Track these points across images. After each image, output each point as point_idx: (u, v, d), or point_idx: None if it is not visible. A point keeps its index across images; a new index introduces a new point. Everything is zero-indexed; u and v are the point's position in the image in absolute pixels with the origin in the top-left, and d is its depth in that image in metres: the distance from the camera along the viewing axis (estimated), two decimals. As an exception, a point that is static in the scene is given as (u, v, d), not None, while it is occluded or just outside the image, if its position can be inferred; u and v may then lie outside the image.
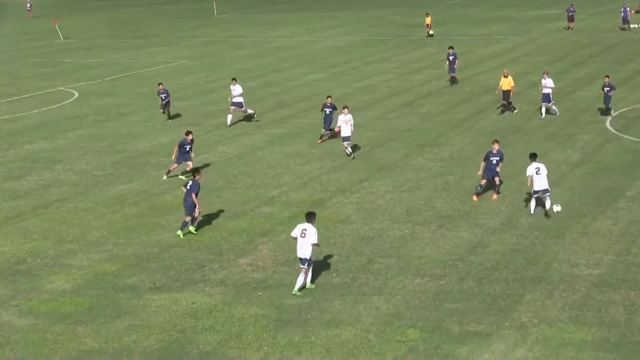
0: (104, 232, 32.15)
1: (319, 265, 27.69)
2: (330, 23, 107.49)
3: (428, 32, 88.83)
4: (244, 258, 28.85)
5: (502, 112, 48.95)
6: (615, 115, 47.23)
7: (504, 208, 32.56)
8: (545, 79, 47.75)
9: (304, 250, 25.78)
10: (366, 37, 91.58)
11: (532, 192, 31.92)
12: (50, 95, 62.42)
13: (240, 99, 49.80)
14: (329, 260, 28.24)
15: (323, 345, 22.46)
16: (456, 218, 31.84)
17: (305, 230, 25.95)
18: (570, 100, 51.81)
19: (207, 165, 41.03)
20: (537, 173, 31.72)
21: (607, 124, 45.42)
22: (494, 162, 34.05)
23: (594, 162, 38.27)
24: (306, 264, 25.83)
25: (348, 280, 26.66)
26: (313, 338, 22.84)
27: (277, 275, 27.25)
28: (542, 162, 32.28)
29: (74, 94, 62.44)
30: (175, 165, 38.95)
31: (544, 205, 31.63)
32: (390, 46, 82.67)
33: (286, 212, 33.45)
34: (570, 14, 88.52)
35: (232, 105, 49.76)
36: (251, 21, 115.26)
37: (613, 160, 38.47)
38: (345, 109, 41.72)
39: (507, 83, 48.64)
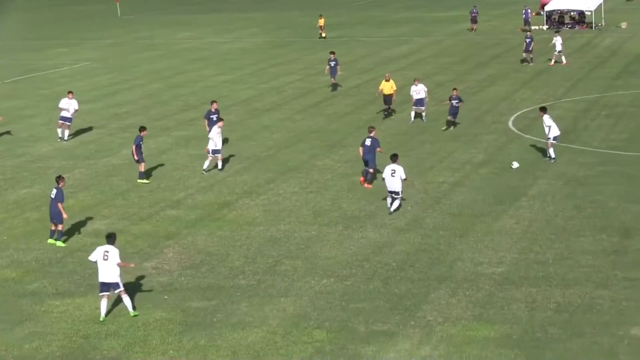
0: (4, 238, 31.58)
1: (227, 268, 27.60)
2: (238, 24, 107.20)
3: (320, 34, 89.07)
4: (149, 262, 28.58)
5: (385, 116, 48.98)
6: (518, 115, 48.00)
7: (409, 208, 32.82)
8: (416, 85, 47.80)
9: (109, 274, 24.23)
10: (273, 38, 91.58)
11: (388, 191, 32.55)
12: (-50, 99, 61.09)
13: (68, 114, 46.58)
14: (235, 263, 28.14)
15: (229, 348, 22.36)
16: (362, 219, 32.00)
17: (108, 252, 24.39)
18: (474, 101, 52.47)
19: (111, 168, 40.61)
20: (392, 175, 32.11)
21: (510, 124, 46.14)
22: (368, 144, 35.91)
23: (497, 162, 38.82)
24: (115, 289, 24.36)
25: (255, 282, 26.60)
26: (219, 341, 22.72)
27: (183, 279, 27.06)
28: (398, 166, 32.44)
29: (-26, 97, 61.22)
30: (143, 163, 38.12)
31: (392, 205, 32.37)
32: (297, 47, 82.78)
33: (192, 215, 33.24)
34: (473, 16, 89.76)
35: (60, 119, 46.71)
36: (158, 22, 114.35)
37: (515, 159, 38.99)
38: (221, 122, 40.06)
39: (389, 87, 48.66)
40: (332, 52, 58.89)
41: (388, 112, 49.17)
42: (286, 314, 24.22)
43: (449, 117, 45.15)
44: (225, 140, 42.34)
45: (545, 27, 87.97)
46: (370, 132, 36.90)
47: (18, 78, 70.04)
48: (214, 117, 42.11)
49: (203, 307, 24.86)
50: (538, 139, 41.97)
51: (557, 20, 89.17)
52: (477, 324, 23.03)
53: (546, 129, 38.68)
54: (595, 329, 22.35)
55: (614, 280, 25.36)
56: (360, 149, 36.62)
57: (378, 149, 36.34)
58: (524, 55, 65.90)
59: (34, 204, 35.54)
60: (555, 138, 38.72)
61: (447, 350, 21.71)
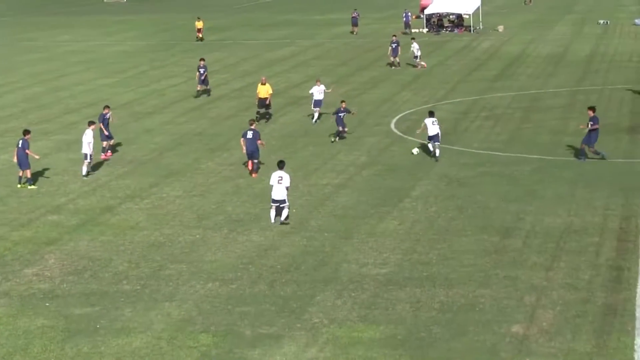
0: None
1: (110, 273, 27.24)
2: (120, 27, 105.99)
3: (198, 37, 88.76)
4: (30, 268, 27.99)
5: (267, 120, 48.77)
6: (400, 117, 48.58)
7: (294, 211, 32.86)
8: (318, 86, 48.51)
9: None
10: (155, 41, 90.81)
11: (271, 200, 31.82)
12: None
13: None
14: (119, 268, 27.78)
15: (113, 354, 22.05)
16: (247, 222, 31.95)
17: None
18: (357, 103, 52.83)
19: (-10, 173, 39.72)
20: (278, 182, 31.60)
21: (392, 126, 46.66)
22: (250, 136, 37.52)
23: (380, 164, 39.20)
24: None
25: (139, 287, 26.30)
26: (103, 347, 22.40)
27: (65, 285, 26.57)
28: (286, 172, 31.93)
29: None
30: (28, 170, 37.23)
31: (280, 214, 31.60)
32: (178, 50, 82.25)
33: (74, 220, 32.69)
34: (354, 19, 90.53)
35: None
36: (38, 24, 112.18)
37: (398, 161, 39.52)
38: (93, 125, 39.49)
39: (264, 91, 48.34)
40: (202, 59, 57.88)
41: (268, 116, 48.93)
42: (171, 319, 24.01)
43: (340, 129, 44.02)
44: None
45: (425, 30, 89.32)
46: (251, 124, 38.60)
47: None
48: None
49: (86, 314, 24.47)
50: (420, 141, 42.54)
51: (437, 23, 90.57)
52: (363, 325, 23.21)
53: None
54: (477, 328, 22.75)
55: (495, 279, 25.86)
56: (242, 141, 38.07)
57: (259, 142, 37.73)
58: (392, 59, 66.46)
59: None
60: (430, 138, 39.32)
61: (334, 352, 21.82)
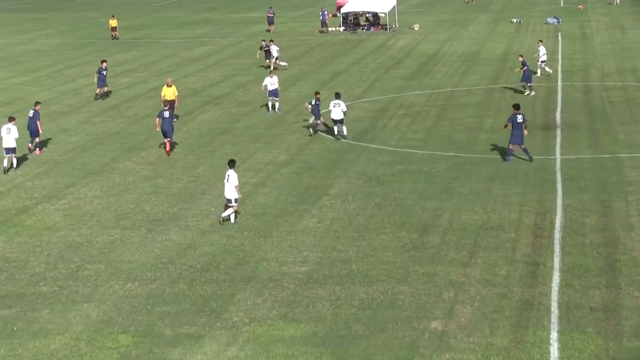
0: None
1: (27, 275, 26.90)
2: (33, 25, 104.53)
3: (113, 35, 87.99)
4: (-55, 271, 27.54)
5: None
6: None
7: (213, 210, 32.82)
8: (271, 77, 50.20)
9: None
10: (70, 39, 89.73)
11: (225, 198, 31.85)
12: None
13: None
14: (36, 269, 27.44)
15: (31, 356, 21.80)
16: (166, 221, 31.80)
17: None
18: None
19: None
20: (227, 181, 31.54)
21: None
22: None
23: (299, 162, 39.30)
24: None
25: (57, 288, 26.02)
26: (20, 350, 22.13)
27: (-20, 288, 26.21)
28: (233, 172, 31.56)
29: None
30: None
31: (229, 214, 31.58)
32: (94, 49, 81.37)
33: (-11, 221, 32.25)
34: (270, 17, 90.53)
35: None
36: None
37: (317, 159, 39.66)
38: (13, 120, 40.16)
39: (171, 93, 47.20)
40: (104, 61, 56.77)
41: (175, 118, 47.56)
42: (90, 320, 23.81)
43: (317, 121, 44.52)
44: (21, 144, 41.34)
45: (342, 29, 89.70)
46: (165, 106, 42.41)
47: None
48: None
49: (2, 316, 24.14)
50: (337, 138, 42.76)
51: (353, 22, 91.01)
52: (283, 323, 23.28)
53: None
54: (397, 324, 22.97)
55: (414, 275, 26.13)
56: (158, 120, 41.16)
57: (174, 120, 41.63)
58: (268, 62, 65.47)
59: None
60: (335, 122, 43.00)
61: (254, 350, 21.86)
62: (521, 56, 55.11)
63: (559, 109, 48.86)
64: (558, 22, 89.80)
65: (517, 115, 38.32)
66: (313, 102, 44.58)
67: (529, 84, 52.76)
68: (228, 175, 31.46)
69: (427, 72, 62.99)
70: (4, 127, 39.42)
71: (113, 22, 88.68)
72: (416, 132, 44.45)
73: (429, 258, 27.48)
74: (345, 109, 43.18)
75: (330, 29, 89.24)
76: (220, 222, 31.38)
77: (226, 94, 55.55)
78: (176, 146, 42.54)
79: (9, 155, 39.14)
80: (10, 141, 39.08)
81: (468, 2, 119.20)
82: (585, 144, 41.09)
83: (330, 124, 43.75)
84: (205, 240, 29.71)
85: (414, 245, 28.62)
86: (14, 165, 39.44)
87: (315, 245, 28.89)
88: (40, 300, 25.16)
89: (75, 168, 39.42)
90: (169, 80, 48.60)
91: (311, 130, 44.49)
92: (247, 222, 31.42)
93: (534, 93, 52.59)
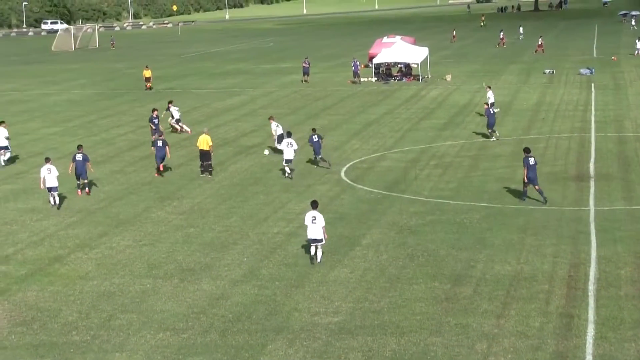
0: None
1: (59, 324, 26.94)
2: (65, 76, 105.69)
3: (147, 86, 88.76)
4: (-22, 320, 27.65)
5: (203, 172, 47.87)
6: (350, 166, 48.78)
7: (245, 259, 32.83)
8: (272, 123, 52.59)
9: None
10: (102, 90, 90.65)
11: (308, 239, 32.48)
12: None
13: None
14: (68, 318, 27.48)
15: (63, 406, 21.78)
16: (198, 271, 31.81)
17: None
18: (306, 152, 53.01)
19: (-64, 223, 39.25)
20: (312, 222, 32.09)
21: (342, 174, 46.82)
22: None
23: (330, 212, 39.25)
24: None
25: (89, 337, 26.03)
26: (53, 400, 22.11)
27: (13, 337, 26.21)
28: (318, 213, 32.36)
29: None
30: None
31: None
32: (126, 99, 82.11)
33: (22, 270, 32.35)
34: (305, 67, 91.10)
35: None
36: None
37: (348, 209, 39.63)
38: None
39: (205, 142, 46.94)
40: (155, 109, 57.55)
41: (211, 169, 47.87)
42: (122, 370, 23.80)
43: (318, 157, 48.22)
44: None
45: (374, 80, 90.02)
46: (160, 135, 47.29)
47: None
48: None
49: (35, 366, 24.18)
50: (370, 189, 42.81)
51: (385, 72, 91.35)
52: (315, 374, 23.15)
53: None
54: (430, 375, 22.78)
55: (447, 326, 25.94)
56: (153, 149, 46.08)
57: (167, 147, 46.24)
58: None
59: None
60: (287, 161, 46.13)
61: (286, 401, 21.72)
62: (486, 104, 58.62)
63: (592, 159, 48.66)
64: (591, 72, 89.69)
65: (529, 158, 39.36)
66: (315, 139, 47.94)
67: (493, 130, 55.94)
68: (314, 217, 32.01)
69: (460, 122, 63.01)
70: (44, 168, 41.60)
71: (147, 73, 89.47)
72: (448, 183, 44.37)
73: (462, 309, 27.28)
74: (296, 148, 46.61)
75: (362, 79, 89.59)
76: (311, 262, 32.01)
77: (258, 144, 55.77)
78: (209, 196, 42.70)
79: (53, 193, 41.46)
80: (52, 180, 41.37)
81: (482, 25, 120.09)
82: (619, 195, 40.85)
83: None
84: (237, 290, 29.67)
85: (446, 296, 28.44)
86: (57, 201, 41.48)
87: (347, 296, 28.77)
88: (72, 350, 25.16)
89: (108, 217, 39.61)
90: (205, 129, 48.89)
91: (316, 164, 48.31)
92: (279, 272, 31.37)
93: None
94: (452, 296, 28.41)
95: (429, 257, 32.47)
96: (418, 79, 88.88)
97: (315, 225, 32.11)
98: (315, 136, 48.13)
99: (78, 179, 43.84)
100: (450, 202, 40.41)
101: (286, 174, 46.54)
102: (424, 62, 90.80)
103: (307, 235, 32.55)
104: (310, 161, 49.32)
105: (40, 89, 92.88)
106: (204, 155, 47.26)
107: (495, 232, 35.37)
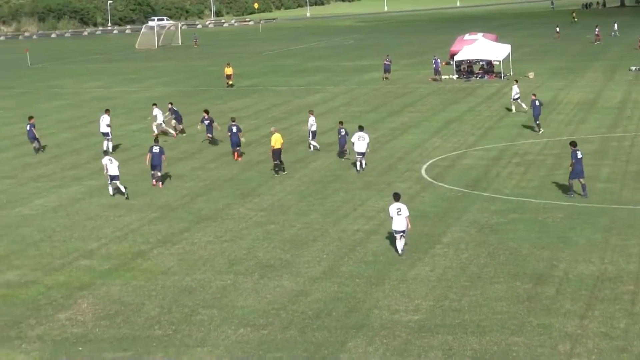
0: None
1: (142, 318, 27.26)
2: (148, 74, 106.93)
3: (228, 83, 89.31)
4: (63, 313, 28.08)
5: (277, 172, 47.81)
6: (430, 164, 48.53)
7: (324, 256, 32.87)
8: (310, 117, 53.62)
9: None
10: (185, 87, 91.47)
11: (393, 231, 32.78)
12: None
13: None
14: (151, 312, 27.79)
15: (145, 400, 22.03)
16: (278, 267, 31.93)
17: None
18: (387, 149, 53.00)
19: (23, 218, 40.00)
20: (397, 213, 32.38)
21: (423, 172, 46.62)
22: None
23: (411, 210, 38.78)
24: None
25: (170, 332, 26.30)
26: (135, 393, 22.38)
27: (97, 330, 26.61)
28: (402, 205, 32.96)
29: None
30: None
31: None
32: (208, 96, 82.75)
33: (106, 265, 32.81)
34: (386, 65, 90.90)
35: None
36: (66, 72, 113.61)
37: (429, 207, 39.44)
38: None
39: (277, 140, 46.97)
40: (206, 111, 58.14)
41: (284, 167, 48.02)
42: (203, 365, 23.98)
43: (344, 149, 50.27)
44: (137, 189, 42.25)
45: (455, 77, 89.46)
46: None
47: None
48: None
49: (118, 358, 24.48)
50: (451, 187, 42.55)
51: (467, 69, 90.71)
52: (395, 372, 23.07)
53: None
54: (511, 375, 22.56)
55: (529, 326, 25.65)
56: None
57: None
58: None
59: (-58, 255, 34.81)
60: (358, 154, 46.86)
61: (366, 398, 21.68)
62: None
63: (678, 158, 47.74)
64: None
65: (577, 152, 40.03)
66: (343, 133, 50.10)
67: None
68: (399, 209, 32.49)
69: (543, 120, 62.11)
70: (106, 158, 43.78)
71: (228, 70, 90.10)
72: (530, 181, 43.88)
73: (544, 309, 26.95)
74: (368, 141, 47.20)
75: (443, 76, 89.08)
76: (398, 254, 32.49)
77: (337, 141, 55.68)
78: (288, 193, 42.86)
79: (114, 182, 43.35)
80: (114, 169, 43.21)
81: (574, 21, 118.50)
82: None
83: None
84: (316, 287, 29.71)
85: (528, 295, 28.13)
86: (122, 190, 43.34)
87: (428, 294, 28.63)
88: (154, 344, 25.44)
89: (189, 213, 39.97)
90: (273, 129, 48.96)
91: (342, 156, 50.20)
92: (359, 270, 31.34)
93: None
94: (534, 296, 28.08)
95: (510, 255, 32.15)
96: (500, 77, 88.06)
97: (399, 217, 32.46)
98: (343, 129, 50.54)
99: (153, 169, 45.20)
100: (533, 200, 39.97)
101: (357, 168, 47.16)
102: (506, 59, 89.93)
103: (391, 226, 32.84)
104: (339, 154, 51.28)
105: (124, 87, 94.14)
106: (279, 153, 47.42)
107: (578, 231, 34.88)
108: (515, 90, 65.64)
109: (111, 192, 43.48)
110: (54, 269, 32.59)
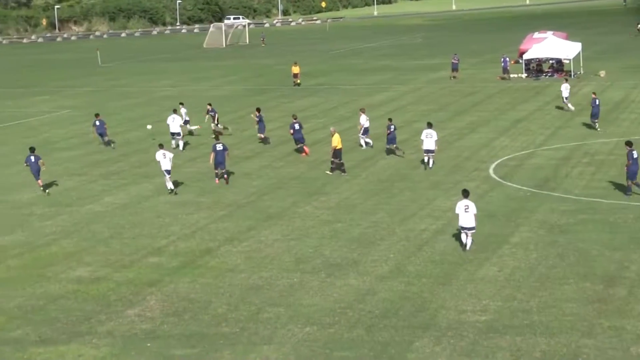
0: (-14, 285, 31.30)
1: (209, 315, 27.43)
2: (215, 73, 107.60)
3: (295, 82, 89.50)
4: (132, 309, 28.36)
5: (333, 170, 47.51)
6: (498, 163, 48.15)
7: (391, 256, 32.76)
8: (361, 115, 53.81)
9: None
10: (251, 86, 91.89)
11: (459, 227, 33.06)
12: None
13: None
14: (218, 310, 27.95)
15: (213, 397, 22.14)
16: (345, 266, 31.90)
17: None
18: (455, 148, 52.68)
19: (93, 215, 40.49)
20: (465, 210, 32.60)
21: (491, 171, 46.26)
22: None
23: (478, 210, 38.56)
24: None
25: (237, 330, 26.41)
26: (203, 390, 22.51)
27: (165, 326, 26.83)
28: (470, 201, 33.21)
29: (-47, 143, 60.98)
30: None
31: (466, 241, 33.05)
32: (275, 95, 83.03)
33: (174, 262, 33.07)
34: (454, 64, 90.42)
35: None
36: (136, 70, 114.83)
37: (497, 207, 39.12)
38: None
39: (337, 140, 46.74)
40: (258, 109, 58.39)
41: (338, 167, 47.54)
42: (270, 363, 24.05)
43: (392, 146, 51.26)
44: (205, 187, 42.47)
45: (524, 76, 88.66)
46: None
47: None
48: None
49: (186, 355, 24.65)
50: (519, 187, 42.17)
51: (536, 68, 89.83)
52: (463, 373, 22.92)
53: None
54: (581, 378, 22.28)
55: (599, 329, 25.31)
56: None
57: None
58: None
59: (16, 251, 35.32)
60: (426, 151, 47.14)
61: (433, 399, 21.57)
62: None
63: None
64: None
65: (633, 152, 39.73)
66: (392, 129, 50.63)
67: None
68: (467, 206, 32.73)
69: (614, 119, 61.41)
70: (159, 153, 44.32)
71: (295, 69, 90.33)
72: (601, 181, 43.30)
73: (616, 311, 26.57)
74: (436, 139, 47.18)
75: (512, 75, 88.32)
76: (463, 250, 32.70)
77: (404, 140, 55.48)
78: (355, 192, 42.81)
79: (169, 176, 44.03)
80: (167, 164, 43.93)
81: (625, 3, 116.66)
82: None
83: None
84: (383, 286, 29.62)
85: (598, 297, 27.75)
86: (171, 187, 44.10)
87: (495, 294, 28.39)
88: (222, 341, 25.57)
89: (256, 211, 40.11)
90: (332, 129, 48.68)
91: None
92: (426, 269, 31.19)
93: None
94: (604, 297, 27.70)
95: (580, 256, 31.76)
96: (570, 75, 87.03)
97: (467, 214, 32.55)
98: (392, 126, 51.03)
99: (216, 167, 45.51)
100: (603, 200, 39.45)
101: (425, 166, 47.36)
102: (576, 58, 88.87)
103: (458, 223, 32.93)
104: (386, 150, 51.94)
105: (193, 85, 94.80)
106: (340, 153, 47.32)
107: (650, 232, 34.37)
108: (566, 88, 66.01)
109: (168, 187, 44.10)
110: (123, 265, 32.94)
